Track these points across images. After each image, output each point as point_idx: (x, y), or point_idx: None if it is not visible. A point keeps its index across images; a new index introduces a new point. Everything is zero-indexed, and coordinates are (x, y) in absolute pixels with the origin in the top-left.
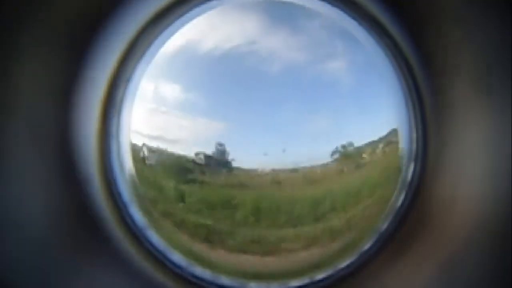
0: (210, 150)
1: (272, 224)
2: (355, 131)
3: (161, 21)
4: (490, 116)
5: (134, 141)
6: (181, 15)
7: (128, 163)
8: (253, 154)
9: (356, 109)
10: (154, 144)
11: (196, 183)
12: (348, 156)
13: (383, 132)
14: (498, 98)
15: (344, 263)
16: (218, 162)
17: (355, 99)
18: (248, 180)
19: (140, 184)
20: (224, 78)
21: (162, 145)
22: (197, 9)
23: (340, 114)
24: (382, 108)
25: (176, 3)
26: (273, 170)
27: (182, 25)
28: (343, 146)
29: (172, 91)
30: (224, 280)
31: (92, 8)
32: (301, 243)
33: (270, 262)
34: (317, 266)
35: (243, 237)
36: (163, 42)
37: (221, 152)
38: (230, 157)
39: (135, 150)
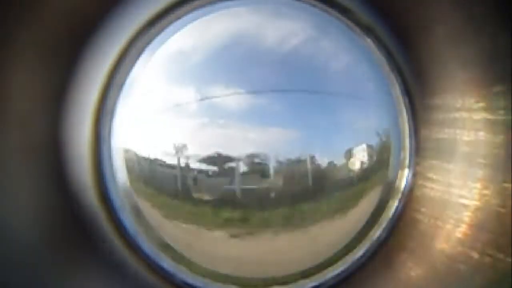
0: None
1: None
2: (346, 135)
3: (154, 26)
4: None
5: (126, 148)
6: (175, 21)
7: (121, 170)
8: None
9: (347, 114)
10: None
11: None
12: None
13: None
14: None
15: (335, 271)
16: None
17: (347, 103)
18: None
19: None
20: (217, 85)
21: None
22: (191, 15)
23: (330, 119)
24: (374, 114)
25: (169, 9)
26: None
27: (176, 31)
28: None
29: (165, 96)
30: (215, 287)
31: (84, 13)
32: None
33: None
34: (308, 273)
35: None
36: (157, 48)
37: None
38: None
39: (128, 156)
